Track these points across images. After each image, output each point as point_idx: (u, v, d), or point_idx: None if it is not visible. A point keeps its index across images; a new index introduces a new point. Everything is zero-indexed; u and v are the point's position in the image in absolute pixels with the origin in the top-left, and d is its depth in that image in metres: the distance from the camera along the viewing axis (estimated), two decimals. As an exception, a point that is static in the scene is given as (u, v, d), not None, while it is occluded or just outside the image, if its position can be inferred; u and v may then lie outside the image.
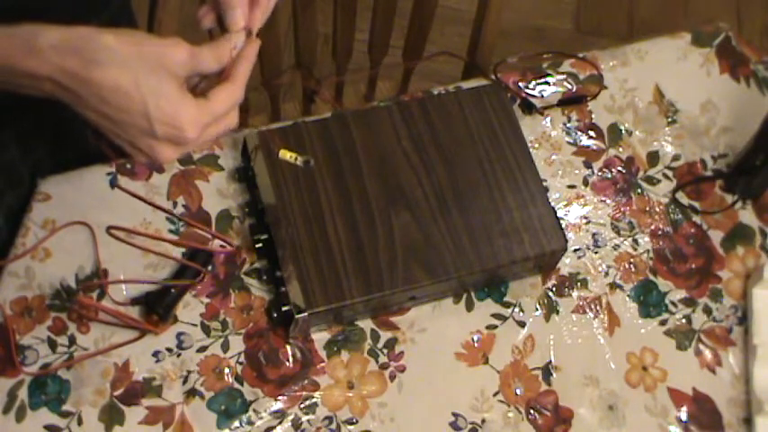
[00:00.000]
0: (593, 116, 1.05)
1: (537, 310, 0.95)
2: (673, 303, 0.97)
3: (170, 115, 0.65)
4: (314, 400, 0.88)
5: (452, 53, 1.13)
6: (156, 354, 0.88)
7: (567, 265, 0.97)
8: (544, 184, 0.97)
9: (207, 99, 0.68)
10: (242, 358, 0.89)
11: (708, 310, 0.97)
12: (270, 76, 1.23)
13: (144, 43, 0.65)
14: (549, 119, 1.04)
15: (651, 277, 0.98)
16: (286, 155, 0.89)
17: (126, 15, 0.99)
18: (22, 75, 0.64)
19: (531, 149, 0.96)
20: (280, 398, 0.88)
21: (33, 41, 0.63)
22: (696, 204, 1.02)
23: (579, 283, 0.96)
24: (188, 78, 0.69)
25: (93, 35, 0.63)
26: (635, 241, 0.99)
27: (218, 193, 0.96)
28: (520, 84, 1.06)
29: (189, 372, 0.88)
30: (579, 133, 1.04)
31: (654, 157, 1.04)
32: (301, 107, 1.36)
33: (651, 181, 1.03)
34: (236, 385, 0.88)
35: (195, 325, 0.90)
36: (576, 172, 1.02)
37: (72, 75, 0.63)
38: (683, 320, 0.96)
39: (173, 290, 0.89)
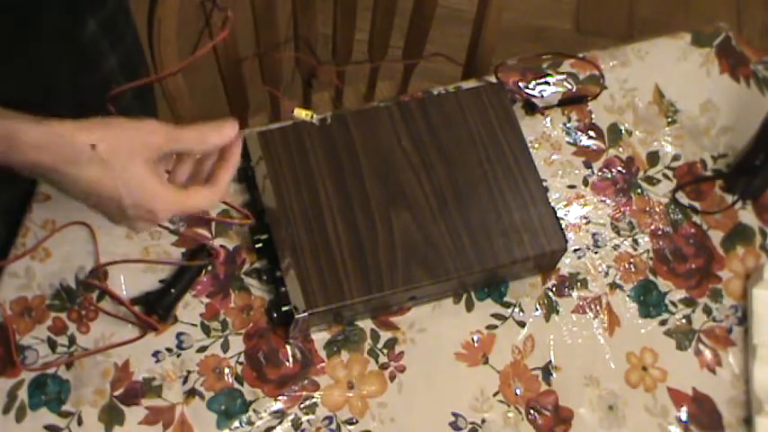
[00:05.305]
0: (593, 116, 1.05)
1: (537, 310, 0.95)
2: (673, 303, 0.97)
3: (142, 202, 0.70)
4: (314, 400, 0.88)
5: (446, 55, 1.13)
6: (155, 354, 0.88)
7: (567, 265, 0.97)
8: (544, 184, 0.97)
9: (185, 191, 0.72)
10: (242, 358, 0.89)
11: (708, 310, 0.97)
12: (270, 78, 1.24)
13: (119, 135, 0.68)
14: (549, 119, 1.04)
15: (651, 277, 0.98)
16: (301, 113, 0.89)
17: (123, 14, 0.99)
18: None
19: (531, 149, 0.96)
20: (280, 398, 0.88)
21: (12, 139, 0.66)
22: (696, 204, 1.02)
23: (579, 283, 0.96)
24: (166, 158, 0.72)
25: (68, 135, 0.66)
26: (635, 241, 0.99)
27: (218, 193, 0.96)
28: (520, 84, 1.06)
29: (189, 372, 0.88)
30: (579, 133, 1.04)
31: (654, 157, 1.04)
32: (301, 107, 1.36)
33: (651, 181, 1.03)
34: (236, 385, 0.88)
35: (195, 325, 0.90)
36: (576, 172, 1.02)
37: (49, 169, 0.67)
38: (683, 320, 0.96)
39: (173, 290, 0.89)
